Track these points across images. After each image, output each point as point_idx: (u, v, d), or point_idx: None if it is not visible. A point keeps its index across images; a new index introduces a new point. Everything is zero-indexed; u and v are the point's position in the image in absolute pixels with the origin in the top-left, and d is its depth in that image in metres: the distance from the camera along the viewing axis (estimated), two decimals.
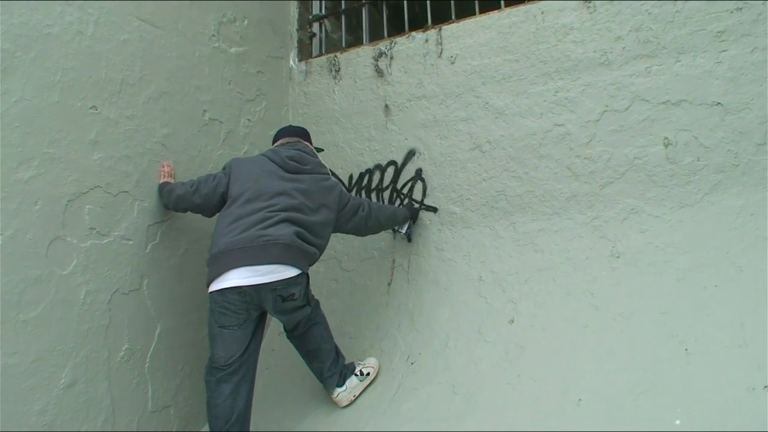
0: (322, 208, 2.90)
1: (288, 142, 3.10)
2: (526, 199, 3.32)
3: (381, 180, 3.85)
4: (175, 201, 2.93)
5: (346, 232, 3.17)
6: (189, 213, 3.04)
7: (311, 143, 3.22)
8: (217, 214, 2.89)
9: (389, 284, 3.68)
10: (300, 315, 2.92)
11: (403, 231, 3.52)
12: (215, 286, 2.65)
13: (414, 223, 3.58)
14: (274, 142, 3.17)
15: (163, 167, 3.10)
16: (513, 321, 3.06)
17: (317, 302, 3.12)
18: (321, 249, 2.88)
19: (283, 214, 2.72)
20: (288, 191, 2.81)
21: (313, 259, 2.82)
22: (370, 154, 3.92)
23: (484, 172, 3.47)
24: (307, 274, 2.84)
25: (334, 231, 3.06)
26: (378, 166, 3.89)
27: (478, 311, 3.22)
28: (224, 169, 2.95)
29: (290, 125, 3.34)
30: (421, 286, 3.54)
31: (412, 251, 3.67)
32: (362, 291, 3.78)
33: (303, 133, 3.20)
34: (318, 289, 3.73)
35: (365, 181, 3.89)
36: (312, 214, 2.83)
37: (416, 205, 3.55)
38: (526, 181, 3.32)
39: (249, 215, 2.71)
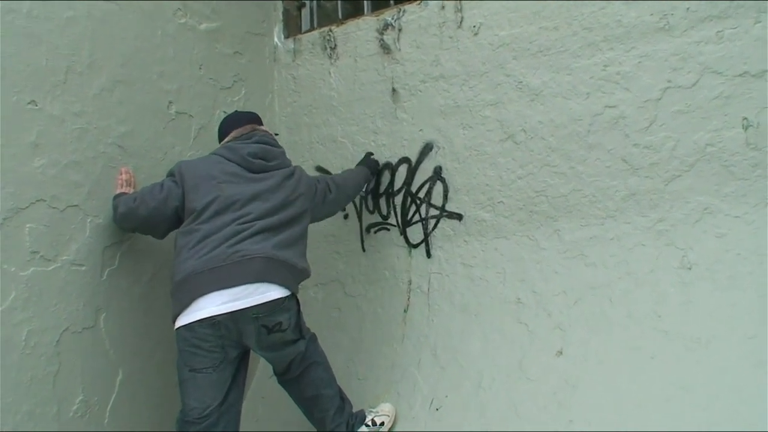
0: (296, 208, 2.99)
1: (243, 134, 3.14)
2: (572, 201, 3.30)
3: (391, 182, 3.86)
4: (120, 219, 2.97)
5: (318, 221, 3.29)
6: None
7: (263, 125, 3.27)
8: (175, 233, 2.92)
9: (405, 311, 3.72)
10: (292, 352, 2.95)
11: (365, 191, 3.74)
12: (182, 320, 2.69)
13: (373, 175, 3.75)
14: (221, 137, 3.20)
15: (121, 174, 3.13)
16: (561, 352, 3.09)
17: (314, 336, 3.13)
18: (305, 260, 2.96)
19: (259, 224, 2.79)
20: (259, 194, 2.89)
21: (301, 276, 2.88)
22: (376, 151, 3.93)
23: (520, 168, 3.45)
24: (297, 299, 2.88)
25: (316, 217, 3.21)
26: (387, 165, 3.91)
27: (517, 342, 3.23)
28: (171, 175, 2.97)
29: (236, 111, 3.39)
30: (445, 312, 3.57)
31: (434, 269, 3.69)
32: (372, 321, 3.80)
33: (255, 118, 3.25)
34: (317, 320, 3.74)
35: (371, 185, 3.91)
36: (289, 218, 2.92)
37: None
38: (571, 177, 3.30)
39: (218, 231, 2.76)
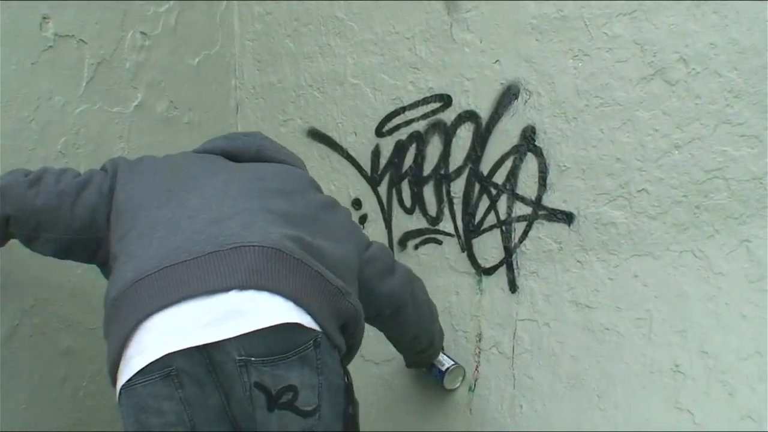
0: (331, 225, 2.89)
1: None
2: None
3: (444, 155, 3.69)
4: None
5: (380, 307, 3.07)
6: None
7: None
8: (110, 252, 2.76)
9: (471, 390, 3.62)
10: None
11: (447, 366, 3.54)
12: (121, 377, 2.44)
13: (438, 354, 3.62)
14: None
15: None
16: None
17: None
18: (350, 294, 2.74)
19: (257, 201, 2.70)
20: (253, 177, 2.85)
21: (340, 303, 2.64)
22: (415, 97, 3.76)
23: (677, 130, 3.21)
24: (335, 348, 2.60)
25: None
26: (436, 125, 3.71)
27: None
28: (104, 169, 2.95)
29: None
30: (544, 391, 3.43)
31: (523, 314, 3.55)
32: (412, 409, 3.76)
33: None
34: None
35: (408, 161, 3.78)
36: (320, 221, 2.84)
37: None
38: None
39: (180, 210, 2.65)
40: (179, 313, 2.41)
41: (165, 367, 2.36)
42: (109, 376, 2.53)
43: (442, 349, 3.61)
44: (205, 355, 2.38)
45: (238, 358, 2.38)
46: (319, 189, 3.07)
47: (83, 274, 3.42)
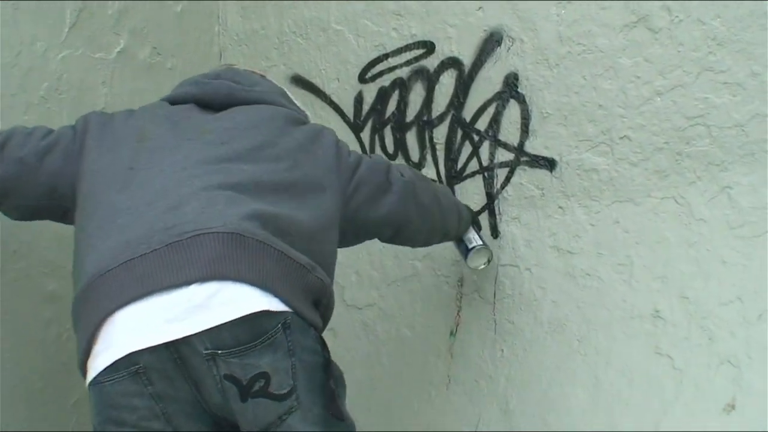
0: (302, 170, 2.80)
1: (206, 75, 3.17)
2: (756, 134, 3.10)
3: (427, 102, 3.69)
4: None
5: (380, 229, 3.07)
6: None
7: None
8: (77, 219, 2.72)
9: (453, 335, 3.65)
10: None
11: (473, 245, 3.46)
12: (92, 372, 2.41)
13: (479, 230, 3.56)
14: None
15: None
16: (733, 407, 2.93)
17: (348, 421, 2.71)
18: (323, 263, 2.70)
19: (218, 175, 2.60)
20: (222, 131, 2.76)
21: (306, 280, 2.58)
22: (399, 44, 3.75)
23: (659, 77, 3.23)
24: (311, 327, 2.55)
25: (348, 240, 2.98)
26: (419, 72, 3.73)
27: (655, 389, 3.15)
28: (74, 126, 2.89)
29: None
30: (525, 336, 3.48)
31: (505, 259, 3.59)
32: (394, 351, 3.78)
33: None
34: None
35: (391, 107, 3.77)
36: (288, 180, 2.73)
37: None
38: (754, 92, 3.07)
39: (138, 193, 2.56)
40: (142, 309, 2.40)
41: (132, 365, 2.37)
42: (80, 371, 2.54)
43: (474, 223, 3.57)
44: (172, 350, 2.38)
45: (204, 352, 2.37)
46: (297, 122, 2.99)
47: None
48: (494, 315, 3.53)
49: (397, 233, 3.13)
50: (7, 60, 3.29)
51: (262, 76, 3.15)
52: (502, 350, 3.48)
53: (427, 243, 3.39)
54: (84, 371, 2.47)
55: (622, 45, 3.28)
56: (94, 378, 2.38)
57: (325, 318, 2.72)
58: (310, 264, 2.57)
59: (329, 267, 2.77)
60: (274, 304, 2.41)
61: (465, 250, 3.48)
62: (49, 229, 3.30)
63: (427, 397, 3.62)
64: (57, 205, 2.79)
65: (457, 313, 3.63)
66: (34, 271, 3.40)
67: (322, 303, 2.65)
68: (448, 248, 3.66)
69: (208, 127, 2.78)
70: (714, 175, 3.16)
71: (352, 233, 2.98)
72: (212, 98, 2.88)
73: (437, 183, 3.55)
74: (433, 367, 3.64)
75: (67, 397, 3.43)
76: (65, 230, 3.24)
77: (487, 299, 3.56)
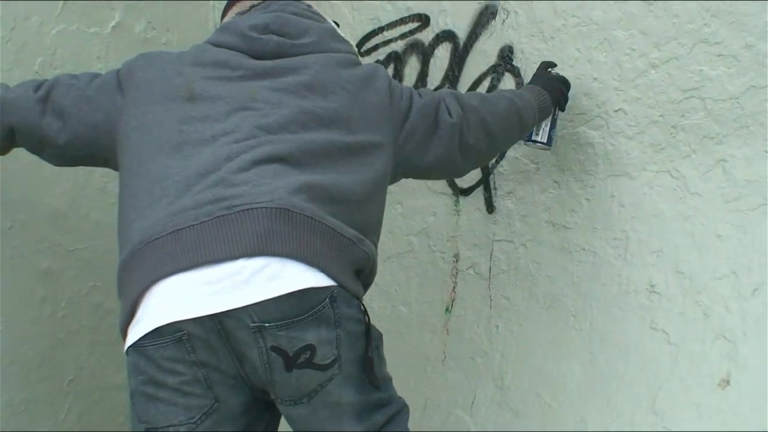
0: (355, 131, 2.77)
1: (254, 6, 3.00)
2: (751, 107, 3.07)
3: (422, 75, 3.73)
4: None
5: (426, 175, 3.16)
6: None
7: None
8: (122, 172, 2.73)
9: (448, 311, 3.68)
10: (347, 425, 2.59)
11: (540, 138, 3.39)
12: (130, 337, 2.45)
13: (558, 112, 3.41)
14: (223, 15, 3.12)
15: None
16: (728, 382, 2.96)
17: (404, 408, 2.79)
18: (372, 230, 2.76)
19: (267, 146, 2.57)
20: (269, 95, 2.70)
21: (354, 255, 2.60)
22: (393, 17, 3.79)
23: (654, 49, 3.23)
24: (357, 301, 2.59)
25: (397, 179, 2.98)
26: (414, 45, 3.76)
27: (650, 365, 3.19)
28: (117, 73, 2.83)
29: None
30: (520, 311, 3.52)
31: (499, 234, 3.60)
32: (389, 328, 3.59)
33: None
34: None
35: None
36: (338, 146, 2.72)
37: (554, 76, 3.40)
38: (749, 63, 3.06)
39: (184, 164, 2.55)
40: (188, 280, 2.42)
41: (176, 332, 2.39)
42: (120, 333, 2.56)
43: (557, 107, 3.40)
44: (216, 321, 2.40)
45: (251, 324, 2.40)
46: (349, 64, 2.93)
47: (62, 195, 3.45)
48: (489, 291, 3.56)
49: (448, 173, 3.24)
50: (2, 35, 3.27)
51: (312, 14, 3.00)
52: (498, 326, 3.51)
53: (489, 157, 3.37)
54: (124, 335, 2.50)
55: (617, 17, 3.26)
56: (136, 341, 2.41)
57: (367, 284, 2.75)
58: (357, 237, 2.59)
59: (376, 227, 2.80)
60: (321, 280, 2.44)
61: (527, 138, 3.43)
62: (44, 206, 3.43)
63: (422, 374, 3.66)
64: (99, 154, 2.81)
65: (453, 289, 3.67)
66: (28, 249, 3.41)
67: (364, 272, 2.67)
68: (443, 224, 3.72)
69: (258, 89, 2.73)
70: (709, 149, 3.16)
71: (402, 174, 2.99)
72: (260, 55, 2.81)
73: (496, 101, 3.18)
74: (428, 344, 3.67)
75: (62, 376, 3.45)
76: (60, 207, 3.42)
77: (482, 275, 3.58)
